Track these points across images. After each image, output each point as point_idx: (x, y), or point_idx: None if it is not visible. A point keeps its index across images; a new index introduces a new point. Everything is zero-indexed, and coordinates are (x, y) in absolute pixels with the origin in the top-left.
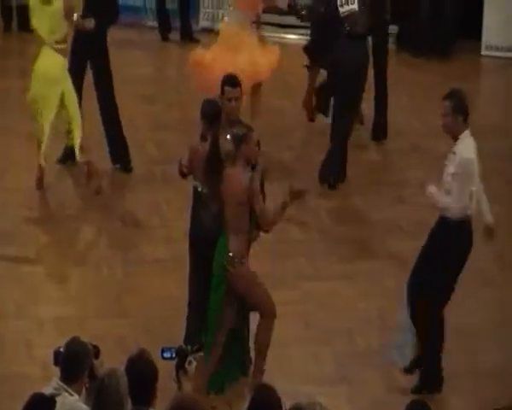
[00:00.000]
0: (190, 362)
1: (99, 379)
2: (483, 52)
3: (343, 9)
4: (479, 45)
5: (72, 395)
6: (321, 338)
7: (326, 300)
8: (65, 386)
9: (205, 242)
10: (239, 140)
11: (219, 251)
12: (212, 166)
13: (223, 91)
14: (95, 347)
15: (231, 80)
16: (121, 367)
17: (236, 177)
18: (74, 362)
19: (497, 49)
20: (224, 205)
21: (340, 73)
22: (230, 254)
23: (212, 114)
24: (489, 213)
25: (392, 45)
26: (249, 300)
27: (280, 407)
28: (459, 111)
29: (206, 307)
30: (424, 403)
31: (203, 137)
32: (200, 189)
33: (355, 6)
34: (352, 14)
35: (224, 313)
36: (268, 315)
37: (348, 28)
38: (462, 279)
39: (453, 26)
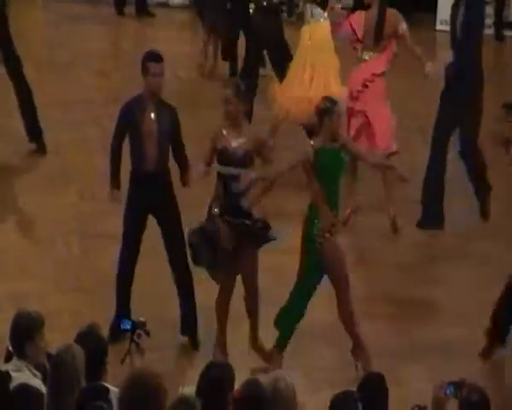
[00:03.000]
0: (139, 335)
1: (55, 355)
2: (438, 27)
3: None
4: (433, 20)
5: (34, 372)
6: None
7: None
8: (26, 363)
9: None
10: (323, 112)
11: (308, 223)
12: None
13: (146, 67)
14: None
15: (155, 56)
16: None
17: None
18: (18, 336)
19: None
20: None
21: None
22: (320, 224)
23: None
24: None
25: None
26: (334, 272)
27: (231, 383)
28: None
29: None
30: (379, 374)
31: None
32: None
33: None
34: None
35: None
36: (346, 289)
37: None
38: None
39: (408, 1)
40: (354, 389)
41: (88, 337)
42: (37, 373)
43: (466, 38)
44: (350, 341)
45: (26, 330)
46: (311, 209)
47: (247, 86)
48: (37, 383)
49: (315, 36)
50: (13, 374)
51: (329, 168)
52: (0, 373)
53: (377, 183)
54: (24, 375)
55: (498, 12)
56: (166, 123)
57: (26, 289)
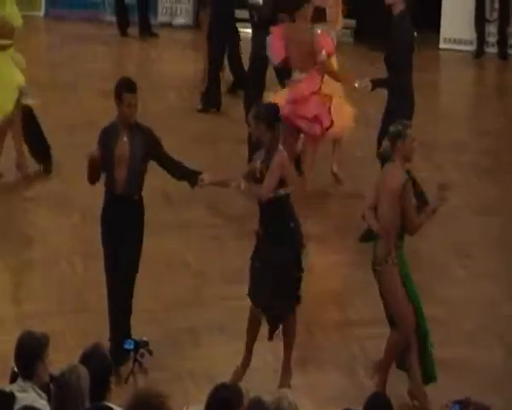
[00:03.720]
0: (142, 354)
1: (59, 376)
2: (441, 45)
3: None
4: (437, 38)
5: (39, 393)
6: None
7: None
8: (31, 384)
9: None
10: (394, 137)
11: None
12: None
13: (121, 98)
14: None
15: (130, 86)
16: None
17: (393, 173)
18: (25, 357)
19: (455, 42)
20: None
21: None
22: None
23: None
24: None
25: (349, 38)
26: (387, 305)
27: (240, 400)
28: None
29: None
30: (383, 395)
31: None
32: None
33: None
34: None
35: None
36: (400, 330)
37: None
38: None
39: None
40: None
41: (93, 357)
42: (43, 394)
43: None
44: (356, 360)
45: (31, 351)
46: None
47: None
48: (42, 404)
49: None
50: (18, 395)
51: None
52: (4, 394)
53: None
54: (30, 396)
55: (502, 30)
56: (139, 146)
57: (29, 310)
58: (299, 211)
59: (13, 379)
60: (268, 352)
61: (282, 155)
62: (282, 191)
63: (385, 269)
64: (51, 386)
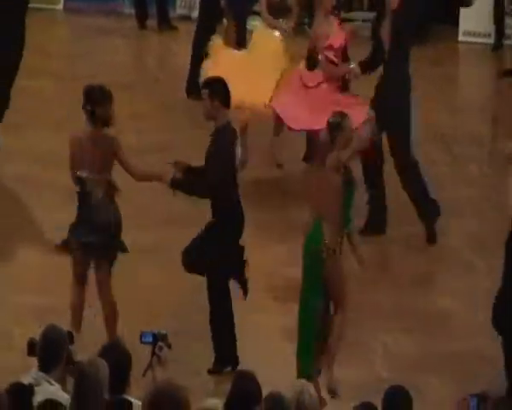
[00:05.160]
0: (161, 348)
1: (79, 368)
2: (460, 38)
3: None
4: (456, 31)
5: (52, 384)
6: None
7: None
8: (45, 376)
9: None
10: (334, 129)
11: (313, 238)
12: None
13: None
14: (69, 332)
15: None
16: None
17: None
18: (51, 350)
19: (474, 35)
20: (318, 192)
21: None
22: (326, 241)
23: None
24: None
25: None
26: (335, 290)
27: (260, 394)
28: None
29: None
30: (402, 387)
31: None
32: None
33: None
34: None
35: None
36: (346, 310)
37: None
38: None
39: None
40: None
41: (112, 351)
42: (57, 384)
43: None
44: (374, 355)
45: (55, 346)
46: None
47: None
48: (62, 396)
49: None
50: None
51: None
52: (24, 387)
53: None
54: (43, 387)
55: None
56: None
57: (47, 303)
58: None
59: (31, 349)
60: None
61: None
62: None
63: (333, 258)
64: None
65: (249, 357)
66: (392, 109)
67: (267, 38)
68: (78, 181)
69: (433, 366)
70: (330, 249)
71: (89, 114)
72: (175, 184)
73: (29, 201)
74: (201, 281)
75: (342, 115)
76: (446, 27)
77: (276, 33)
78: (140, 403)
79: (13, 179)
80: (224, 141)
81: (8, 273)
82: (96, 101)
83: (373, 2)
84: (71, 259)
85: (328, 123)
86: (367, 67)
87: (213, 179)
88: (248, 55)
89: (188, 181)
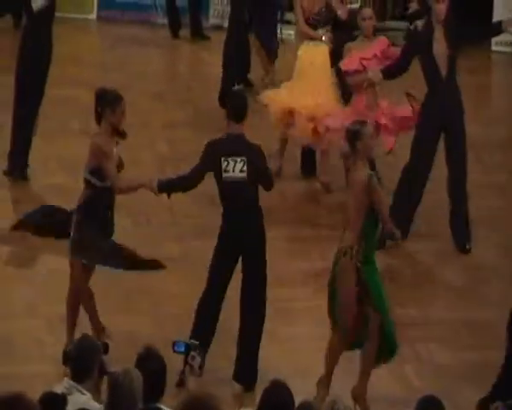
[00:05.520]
0: (194, 357)
1: (113, 379)
2: (493, 47)
3: None
4: (489, 41)
5: (84, 394)
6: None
7: None
8: (76, 385)
9: None
10: (353, 138)
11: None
12: None
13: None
14: (103, 343)
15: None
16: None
17: (357, 176)
18: (83, 360)
19: (507, 44)
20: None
21: None
22: (342, 245)
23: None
24: None
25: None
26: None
27: (292, 404)
28: None
29: None
30: (434, 397)
31: None
32: None
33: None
34: None
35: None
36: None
37: None
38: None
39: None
40: None
41: (148, 360)
42: (88, 394)
43: None
44: (406, 361)
45: (88, 357)
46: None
47: None
48: (94, 405)
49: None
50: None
51: None
52: (57, 396)
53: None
54: (75, 397)
55: None
56: None
57: (81, 312)
58: None
59: (66, 358)
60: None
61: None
62: None
63: (342, 261)
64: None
65: (283, 367)
66: (460, 122)
67: (313, 51)
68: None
69: (467, 375)
70: (348, 254)
71: (96, 115)
72: (163, 187)
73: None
74: (234, 291)
75: (361, 123)
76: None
77: (322, 44)
78: None
79: (44, 187)
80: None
81: (40, 282)
82: (104, 103)
83: (405, 11)
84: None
85: (347, 131)
86: (390, 74)
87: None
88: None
89: (173, 179)
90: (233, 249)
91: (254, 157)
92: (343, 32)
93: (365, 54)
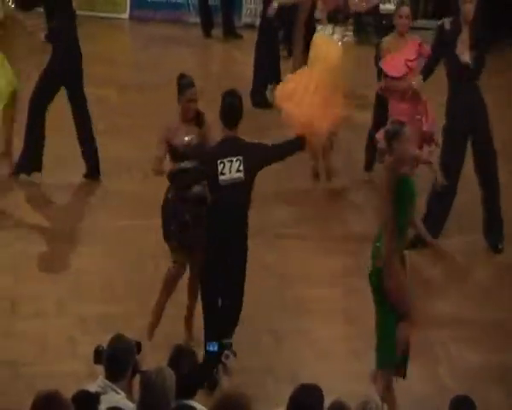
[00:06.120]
0: (227, 356)
1: (146, 378)
2: None
3: None
4: None
5: (118, 393)
6: (363, 335)
7: (368, 296)
8: (111, 384)
9: None
10: (390, 137)
11: (373, 248)
12: None
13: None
14: (137, 342)
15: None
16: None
17: (385, 174)
18: (118, 360)
19: None
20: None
21: None
22: (378, 245)
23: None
24: None
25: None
26: (394, 302)
27: (320, 405)
28: None
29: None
30: (467, 397)
31: None
32: None
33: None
34: None
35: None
36: (410, 321)
37: None
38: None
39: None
40: None
41: (180, 358)
42: (122, 393)
43: None
44: (439, 362)
45: (122, 357)
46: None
47: None
48: (126, 404)
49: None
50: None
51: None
52: (90, 394)
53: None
54: (109, 396)
55: None
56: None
57: (112, 311)
58: None
59: (97, 357)
60: (349, 354)
61: None
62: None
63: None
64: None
65: (315, 368)
66: (486, 121)
67: (327, 45)
68: None
69: (498, 376)
70: (384, 258)
71: None
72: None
73: (92, 208)
74: (265, 291)
75: (400, 123)
76: (505, 42)
77: (336, 39)
78: (203, 408)
79: (76, 186)
80: None
81: (71, 281)
82: (177, 88)
83: (436, 10)
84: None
85: (385, 131)
86: (426, 76)
87: None
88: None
89: (180, 169)
90: (217, 260)
91: (250, 155)
92: None
93: (407, 54)
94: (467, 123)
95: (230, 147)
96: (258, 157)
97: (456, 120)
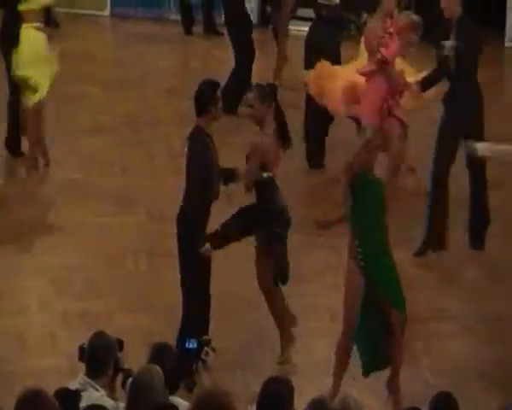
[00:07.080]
0: (207, 353)
1: (133, 377)
2: (506, 44)
3: None
4: (502, 37)
5: (98, 390)
6: None
7: None
8: (91, 381)
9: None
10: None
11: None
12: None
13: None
14: (118, 340)
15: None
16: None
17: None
18: (99, 357)
19: None
20: None
21: None
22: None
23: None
24: None
25: None
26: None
27: (291, 398)
28: None
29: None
30: (449, 394)
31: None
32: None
33: None
34: None
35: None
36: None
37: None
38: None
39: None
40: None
41: (162, 355)
42: (102, 390)
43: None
44: (420, 357)
45: (103, 354)
46: None
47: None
48: (107, 402)
49: None
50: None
51: None
52: (71, 392)
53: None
54: (88, 393)
55: None
56: None
57: (95, 307)
58: None
59: (81, 354)
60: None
61: (262, 138)
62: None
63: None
64: (126, 386)
65: (298, 364)
66: (480, 123)
67: None
68: None
69: (481, 371)
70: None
71: None
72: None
73: (73, 203)
74: (254, 287)
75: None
76: (492, 33)
77: None
78: (186, 403)
79: (58, 184)
80: None
81: (52, 277)
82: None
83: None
84: None
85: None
86: (429, 84)
87: None
88: None
89: None
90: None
91: (192, 146)
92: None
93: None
94: (462, 123)
95: (190, 135)
96: (195, 151)
97: (451, 120)
